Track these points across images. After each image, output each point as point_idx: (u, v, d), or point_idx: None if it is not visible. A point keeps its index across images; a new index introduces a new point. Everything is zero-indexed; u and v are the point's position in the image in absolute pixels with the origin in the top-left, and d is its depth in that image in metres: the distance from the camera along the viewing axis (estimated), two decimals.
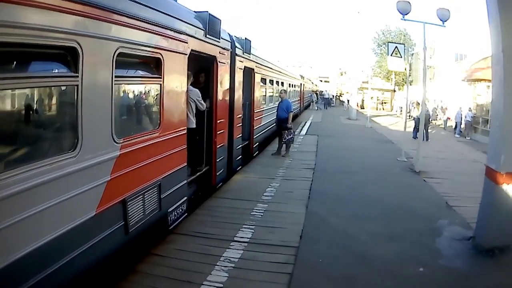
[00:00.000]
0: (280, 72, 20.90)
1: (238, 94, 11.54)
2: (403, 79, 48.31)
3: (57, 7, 3.84)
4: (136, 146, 5.57)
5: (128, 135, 5.43)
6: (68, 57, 4.16)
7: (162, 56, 6.15)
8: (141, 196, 5.74)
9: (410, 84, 22.36)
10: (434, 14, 12.60)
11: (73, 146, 4.27)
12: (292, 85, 28.39)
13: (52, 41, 3.89)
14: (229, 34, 10.53)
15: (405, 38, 48.24)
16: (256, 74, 13.97)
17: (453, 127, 28.40)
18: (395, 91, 54.20)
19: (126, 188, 5.34)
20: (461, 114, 26.47)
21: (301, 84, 39.02)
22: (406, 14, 12.68)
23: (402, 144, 16.13)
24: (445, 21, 12.62)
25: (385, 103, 55.82)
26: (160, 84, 6.26)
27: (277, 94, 18.87)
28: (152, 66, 6.13)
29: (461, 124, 26.33)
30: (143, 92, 6.33)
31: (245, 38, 12.20)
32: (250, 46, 12.65)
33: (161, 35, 6.12)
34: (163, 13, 6.20)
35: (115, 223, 5.11)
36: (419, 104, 23.09)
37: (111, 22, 4.78)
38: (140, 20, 5.45)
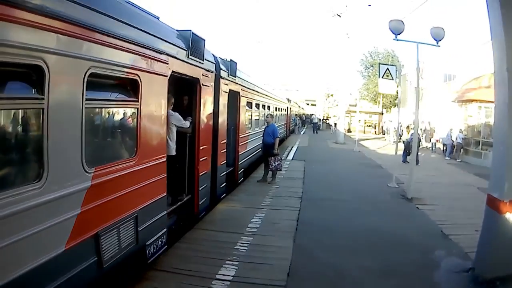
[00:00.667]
0: (266, 95, 20.52)
1: (223, 118, 11.07)
2: (390, 101, 48.48)
3: (19, 19, 3.46)
4: (110, 176, 5.11)
5: (101, 164, 4.98)
6: (33, 76, 3.76)
7: (139, 77, 5.71)
8: (116, 230, 5.28)
9: (396, 107, 22.24)
10: (425, 34, 12.38)
11: (38, 176, 3.86)
12: (279, 108, 28.09)
13: (14, 59, 3.50)
14: (213, 55, 10.12)
15: (393, 60, 48.10)
16: (241, 97, 13.56)
17: (442, 149, 28.25)
18: (382, 113, 54.25)
19: (99, 221, 4.90)
20: (451, 136, 26.12)
21: (287, 107, 38.82)
22: (399, 34, 12.36)
23: (392, 169, 15.82)
24: (440, 40, 12.31)
25: (371, 126, 55.92)
26: (137, 108, 5.78)
27: (263, 118, 18.52)
28: (129, 88, 5.66)
29: (452, 146, 26.00)
30: (118, 116, 5.82)
31: (231, 60, 11.81)
32: (236, 68, 12.26)
33: (138, 54, 5.69)
34: (141, 30, 5.78)
35: (87, 258, 4.67)
36: (408, 127, 23.02)
37: (81, 38, 4.36)
38: (115, 38, 5.03)
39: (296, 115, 58.46)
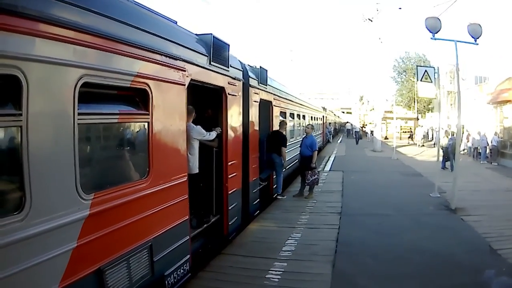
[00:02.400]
0: (301, 104, 19.72)
1: (254, 130, 10.36)
2: (424, 106, 47.39)
3: None
4: (115, 202, 4.42)
5: (103, 189, 4.29)
6: (10, 89, 3.14)
7: (149, 86, 5.00)
8: (125, 262, 4.60)
9: (430, 112, 21.35)
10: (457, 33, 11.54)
11: (19, 206, 3.24)
12: (314, 117, 27.26)
13: None
14: (240, 62, 9.41)
15: (424, 64, 47.21)
16: (274, 107, 12.85)
17: (473, 154, 27.60)
18: (418, 119, 52.97)
19: (101, 254, 4.23)
20: (486, 139, 25.30)
21: (323, 116, 37.97)
22: (436, 33, 11.52)
23: (432, 177, 14.99)
24: (478, 38, 11.50)
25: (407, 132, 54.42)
26: (148, 122, 5.07)
27: (299, 128, 17.72)
28: (136, 99, 4.95)
29: (485, 149, 25.15)
30: (124, 132, 5.13)
31: (260, 67, 11.11)
32: (267, 76, 11.56)
33: (146, 60, 4.98)
34: (148, 32, 5.08)
35: None
36: (447, 132, 22.01)
37: (69, 42, 3.68)
38: (115, 41, 4.35)
39: (329, 123, 57.30)
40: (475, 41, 11.50)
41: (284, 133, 12.93)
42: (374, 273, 6.69)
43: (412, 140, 45.20)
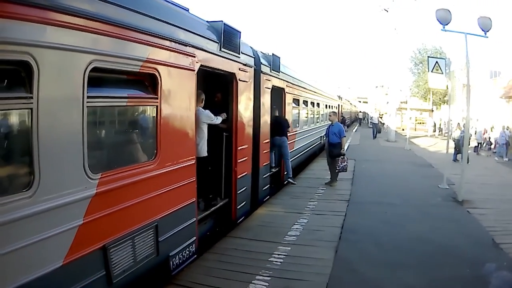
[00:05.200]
0: (315, 92, 19.62)
1: (265, 116, 10.42)
2: (439, 98, 46.98)
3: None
4: (121, 182, 4.56)
5: (110, 169, 4.45)
6: (22, 73, 3.30)
7: (158, 71, 5.12)
8: (130, 241, 4.76)
9: (446, 104, 21.21)
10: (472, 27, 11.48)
11: (27, 184, 3.38)
12: (329, 106, 27.10)
13: None
14: (252, 49, 9.45)
15: (440, 56, 46.68)
16: (287, 94, 12.85)
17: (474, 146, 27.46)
18: (433, 110, 52.86)
19: (107, 233, 4.38)
20: (504, 133, 25.10)
21: (338, 105, 37.62)
22: (447, 24, 11.50)
23: (442, 168, 14.84)
24: (487, 31, 11.43)
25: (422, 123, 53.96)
26: (157, 106, 5.19)
27: (312, 116, 17.73)
28: (145, 84, 5.08)
29: (505, 146, 24.89)
30: (133, 115, 5.29)
31: (273, 54, 11.13)
32: (279, 63, 11.58)
33: (155, 46, 5.08)
34: (156, 19, 5.17)
35: (92, 273, 4.16)
36: (459, 125, 21.85)
37: (79, 29, 3.81)
38: (124, 28, 4.47)
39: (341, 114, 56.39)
40: (485, 34, 11.44)
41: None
42: (375, 261, 6.74)
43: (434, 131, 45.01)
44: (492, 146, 27.69)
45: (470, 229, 8.82)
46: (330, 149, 13.24)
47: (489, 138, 28.99)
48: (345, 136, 13.26)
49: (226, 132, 8.21)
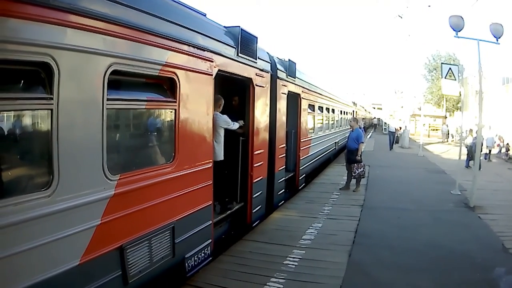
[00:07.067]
0: (330, 98, 19.61)
1: (281, 121, 10.45)
2: (453, 105, 46.77)
3: (22, 14, 3.13)
4: (139, 184, 4.66)
5: (128, 171, 4.54)
6: (42, 74, 3.38)
7: (176, 75, 5.23)
8: (147, 242, 4.83)
9: (459, 110, 21.15)
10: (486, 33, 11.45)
11: (46, 183, 3.47)
12: (344, 112, 27.03)
13: (17, 55, 3.16)
14: (268, 54, 9.53)
15: (454, 63, 46.52)
16: (302, 99, 12.88)
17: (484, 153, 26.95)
18: (446, 117, 52.52)
19: (124, 233, 4.46)
20: None
21: (353, 111, 37.43)
22: (459, 31, 11.49)
23: (455, 175, 14.77)
24: (499, 37, 11.37)
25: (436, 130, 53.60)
26: (175, 109, 5.30)
27: (327, 122, 17.74)
28: (164, 87, 5.19)
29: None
30: (151, 118, 5.37)
31: (289, 60, 11.19)
32: (295, 69, 11.63)
33: (174, 50, 5.18)
34: (176, 23, 5.27)
35: (108, 273, 4.23)
36: (471, 131, 21.69)
37: (99, 32, 3.91)
38: (144, 32, 4.57)
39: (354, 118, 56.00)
40: (497, 40, 11.39)
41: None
42: (388, 264, 6.79)
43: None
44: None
45: (481, 234, 8.82)
46: (348, 155, 13.30)
47: (507, 144, 28.70)
48: (363, 142, 13.24)
49: (242, 136, 8.27)
